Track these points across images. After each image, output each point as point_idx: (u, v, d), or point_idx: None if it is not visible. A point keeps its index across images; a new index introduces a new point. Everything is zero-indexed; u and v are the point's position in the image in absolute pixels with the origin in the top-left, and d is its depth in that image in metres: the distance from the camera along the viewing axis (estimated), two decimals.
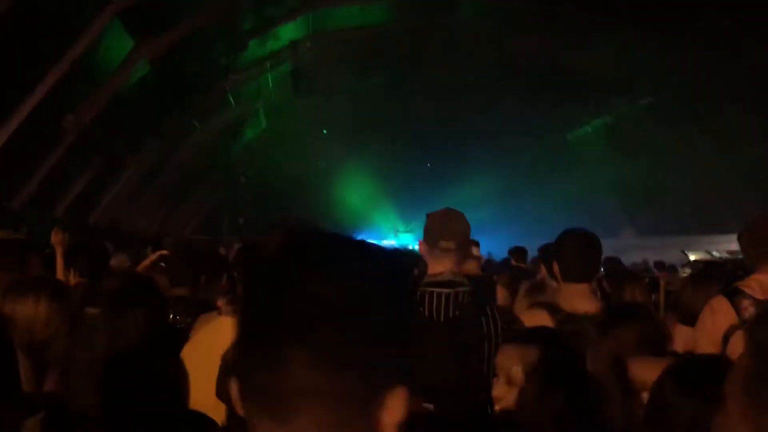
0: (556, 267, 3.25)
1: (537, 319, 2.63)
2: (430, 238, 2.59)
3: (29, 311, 2.51)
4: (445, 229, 2.59)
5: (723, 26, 13.51)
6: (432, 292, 2.50)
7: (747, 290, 3.38)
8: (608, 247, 3.76)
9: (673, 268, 9.29)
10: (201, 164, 20.02)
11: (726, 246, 14.62)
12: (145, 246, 14.18)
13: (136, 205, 18.37)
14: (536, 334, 2.07)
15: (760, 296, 3.29)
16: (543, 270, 4.51)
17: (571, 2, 14.27)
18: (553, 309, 2.78)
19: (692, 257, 13.63)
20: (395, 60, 18.23)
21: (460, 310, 2.48)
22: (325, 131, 23.62)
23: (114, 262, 5.86)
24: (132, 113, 14.79)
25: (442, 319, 2.47)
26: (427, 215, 2.68)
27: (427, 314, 2.47)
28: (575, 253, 3.18)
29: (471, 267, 4.99)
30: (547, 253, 4.53)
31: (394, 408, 0.79)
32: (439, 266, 2.57)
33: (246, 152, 23.21)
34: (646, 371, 1.95)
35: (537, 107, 19.26)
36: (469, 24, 16.42)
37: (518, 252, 7.99)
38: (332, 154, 24.65)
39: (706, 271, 5.70)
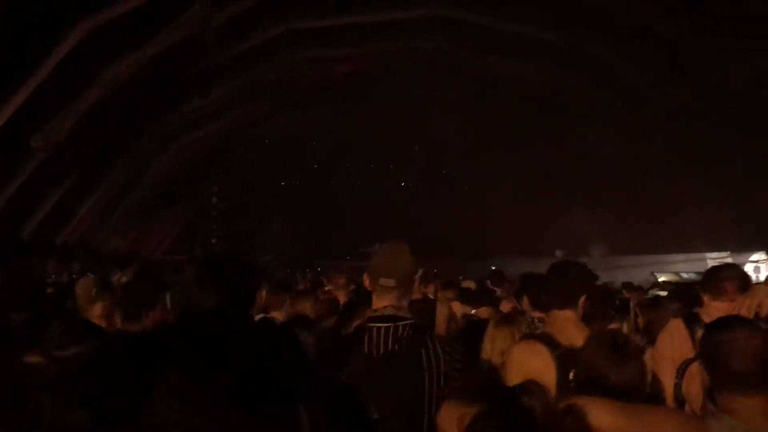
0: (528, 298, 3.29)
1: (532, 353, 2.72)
2: (372, 274, 2.58)
3: None
4: (385, 266, 2.57)
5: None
6: (372, 327, 2.49)
7: (704, 317, 3.42)
8: None
9: (641, 289, 9.31)
10: (173, 184, 19.85)
11: (697, 266, 14.71)
12: (116, 267, 13.94)
13: (108, 224, 18.15)
14: (479, 394, 1.91)
15: None
16: (525, 301, 4.49)
17: None
18: (549, 341, 2.76)
19: (661, 279, 13.71)
20: None
21: (399, 344, 2.45)
22: None
23: (80, 288, 5.29)
24: (103, 132, 14.63)
25: (381, 352, 2.45)
26: (374, 250, 2.67)
27: (366, 350, 2.45)
28: (557, 280, 3.24)
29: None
30: (528, 283, 4.48)
31: None
32: (381, 302, 2.55)
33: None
34: None
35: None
36: None
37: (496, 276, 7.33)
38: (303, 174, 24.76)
39: (672, 293, 5.77)
